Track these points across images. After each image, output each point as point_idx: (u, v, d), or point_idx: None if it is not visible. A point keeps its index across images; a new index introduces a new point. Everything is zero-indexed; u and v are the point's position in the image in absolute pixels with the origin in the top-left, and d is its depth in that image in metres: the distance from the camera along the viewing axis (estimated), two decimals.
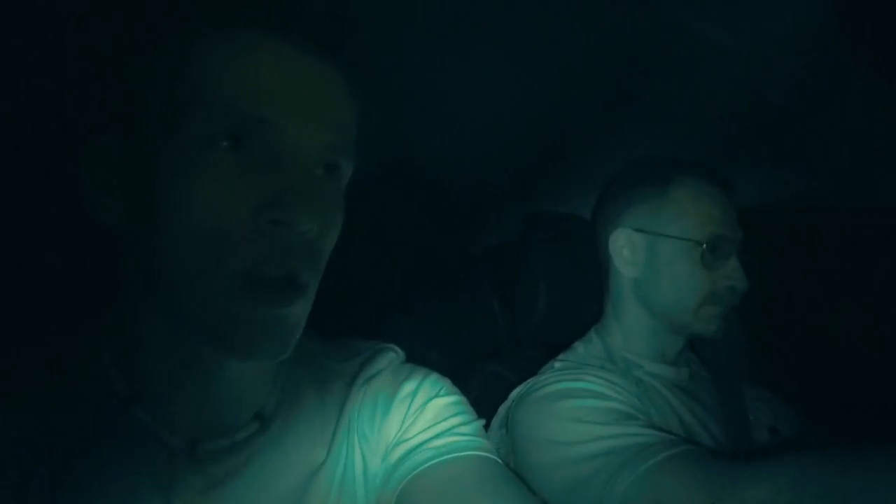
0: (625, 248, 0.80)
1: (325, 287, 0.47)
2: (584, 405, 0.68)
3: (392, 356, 0.59)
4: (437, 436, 0.51)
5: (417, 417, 0.53)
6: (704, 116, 0.77)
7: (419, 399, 0.54)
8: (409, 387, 0.55)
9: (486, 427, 0.64)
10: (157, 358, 0.45)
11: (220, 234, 0.39)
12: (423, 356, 0.61)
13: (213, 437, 0.46)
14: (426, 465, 0.49)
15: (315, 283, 0.45)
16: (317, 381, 0.55)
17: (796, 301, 1.05)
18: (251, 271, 0.40)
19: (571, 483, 0.63)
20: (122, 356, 0.46)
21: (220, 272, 0.40)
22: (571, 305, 0.92)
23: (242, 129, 0.40)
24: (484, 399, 0.79)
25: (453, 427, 0.52)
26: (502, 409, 0.77)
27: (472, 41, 0.57)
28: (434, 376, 0.58)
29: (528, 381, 0.77)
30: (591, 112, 0.75)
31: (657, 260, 0.78)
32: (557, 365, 0.79)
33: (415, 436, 0.52)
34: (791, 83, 0.68)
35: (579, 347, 0.84)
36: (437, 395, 0.55)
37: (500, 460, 0.53)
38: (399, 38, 0.56)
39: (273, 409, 0.51)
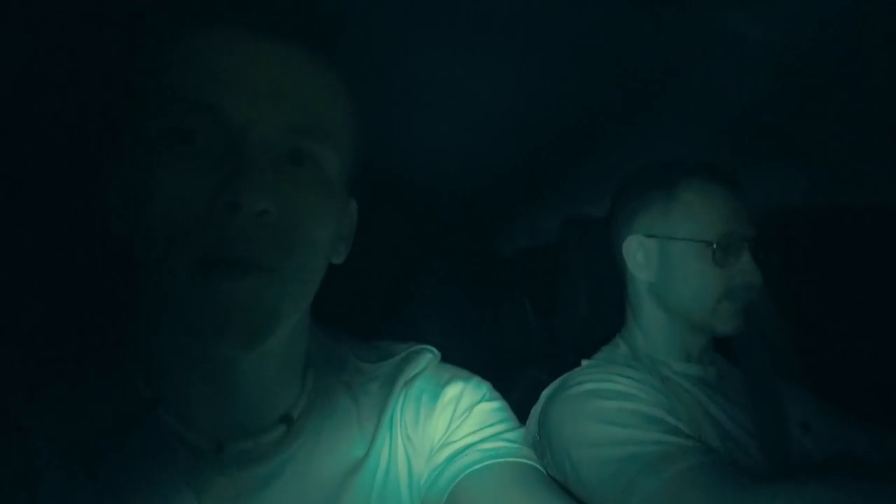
0: (638, 253, 0.81)
1: (353, 290, 0.46)
2: (609, 406, 0.68)
3: (430, 357, 0.58)
4: (484, 439, 0.51)
5: (464, 421, 0.53)
6: (723, 113, 0.75)
7: (464, 403, 0.54)
8: (453, 390, 0.55)
9: None
10: (172, 359, 0.45)
11: (175, 224, 0.39)
12: (454, 358, 0.61)
13: (238, 438, 0.46)
14: (475, 466, 0.49)
15: (290, 268, 0.43)
16: (350, 383, 0.54)
17: (823, 298, 1.02)
18: (206, 256, 0.39)
19: (596, 482, 0.64)
20: (143, 360, 0.47)
21: (179, 260, 0.40)
22: (612, 311, 0.91)
23: (195, 119, 0.40)
24: (526, 405, 0.78)
25: (499, 433, 0.52)
26: (534, 412, 0.77)
27: (491, 38, 0.57)
28: (476, 379, 0.57)
29: (557, 380, 0.77)
30: (614, 112, 0.74)
31: (670, 263, 0.78)
32: (585, 364, 0.80)
33: (462, 438, 0.51)
34: (808, 79, 0.66)
35: (605, 351, 0.84)
36: (481, 400, 0.55)
37: (543, 469, 0.52)
38: (405, 33, 0.54)
39: (302, 412, 0.50)
